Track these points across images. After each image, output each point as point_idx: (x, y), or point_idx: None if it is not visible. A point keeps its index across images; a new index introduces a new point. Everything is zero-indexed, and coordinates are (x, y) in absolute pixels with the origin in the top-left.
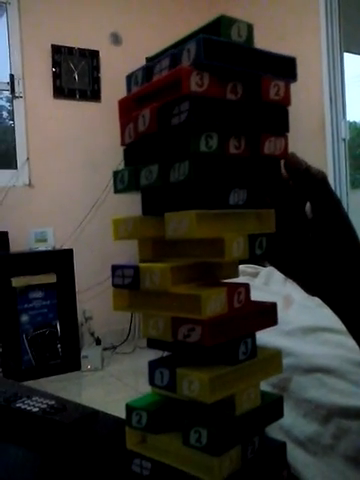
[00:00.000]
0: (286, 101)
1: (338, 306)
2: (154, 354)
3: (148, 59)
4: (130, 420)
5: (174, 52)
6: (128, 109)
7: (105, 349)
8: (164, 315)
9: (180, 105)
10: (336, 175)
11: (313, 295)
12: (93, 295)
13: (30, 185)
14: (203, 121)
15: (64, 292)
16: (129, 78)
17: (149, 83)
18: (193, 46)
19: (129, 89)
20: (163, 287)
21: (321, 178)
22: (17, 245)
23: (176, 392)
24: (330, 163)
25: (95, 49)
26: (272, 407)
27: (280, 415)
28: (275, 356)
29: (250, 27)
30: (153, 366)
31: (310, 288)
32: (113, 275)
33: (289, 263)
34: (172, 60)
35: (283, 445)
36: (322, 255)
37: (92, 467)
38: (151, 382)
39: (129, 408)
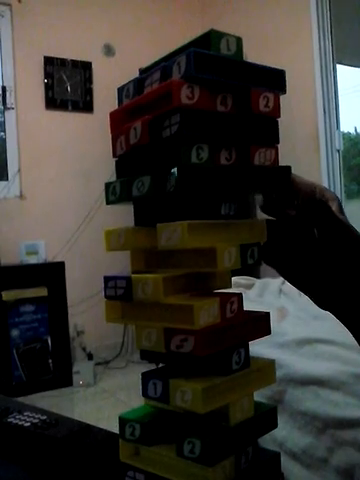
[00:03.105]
0: (276, 113)
1: (349, 320)
2: (147, 368)
3: (142, 70)
4: (123, 432)
5: (165, 65)
6: (120, 121)
7: (97, 364)
8: (157, 326)
9: (171, 117)
10: (331, 186)
11: (325, 309)
12: (85, 309)
13: (21, 197)
14: (194, 133)
15: (55, 306)
16: (120, 91)
17: (140, 96)
18: (183, 59)
19: (120, 101)
20: (156, 298)
21: (324, 207)
22: (8, 258)
23: (169, 403)
24: (324, 174)
25: (88, 60)
26: (266, 417)
27: (274, 425)
28: (268, 366)
29: (239, 41)
30: (146, 377)
31: (322, 302)
32: (105, 286)
33: (301, 278)
34: (163, 73)
35: (277, 455)
36: (333, 272)
37: None
38: (144, 393)
39: (122, 420)
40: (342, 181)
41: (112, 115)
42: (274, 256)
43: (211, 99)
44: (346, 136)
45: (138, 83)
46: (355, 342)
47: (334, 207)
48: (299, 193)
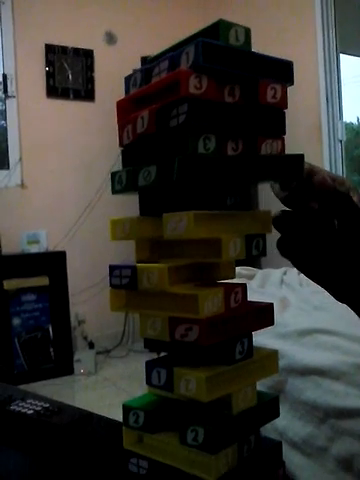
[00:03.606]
0: (283, 104)
1: None
2: (148, 357)
3: (144, 59)
4: (127, 420)
5: (173, 55)
6: (126, 110)
7: (98, 353)
8: (161, 315)
9: (179, 107)
10: None
11: (342, 302)
12: (86, 298)
13: (23, 186)
14: (201, 123)
15: (57, 295)
16: (128, 80)
17: (148, 85)
18: (192, 49)
19: (127, 90)
20: (161, 287)
21: (345, 198)
22: (9, 247)
23: (173, 391)
24: (327, 164)
25: (89, 48)
26: (268, 406)
27: (276, 415)
28: (271, 356)
29: (248, 31)
30: (150, 366)
31: (339, 295)
32: (111, 275)
33: (319, 270)
34: (171, 63)
35: (279, 444)
36: (352, 264)
37: (88, 468)
38: (148, 382)
39: (126, 408)
40: (344, 172)
41: (119, 104)
42: (291, 248)
43: (219, 89)
44: (349, 126)
45: (146, 72)
46: (355, 332)
47: (355, 198)
48: (318, 184)
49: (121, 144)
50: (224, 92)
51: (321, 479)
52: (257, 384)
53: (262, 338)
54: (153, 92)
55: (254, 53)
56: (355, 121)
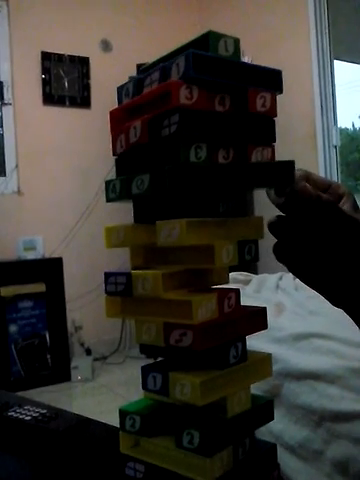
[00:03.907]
0: (272, 112)
1: None
2: (145, 363)
3: (139, 66)
4: (124, 424)
5: (164, 66)
6: (119, 120)
7: (95, 359)
8: (156, 321)
9: (170, 117)
10: None
11: (338, 307)
12: (83, 304)
13: (19, 192)
14: (192, 132)
15: (53, 301)
16: (120, 90)
17: (140, 95)
18: (182, 60)
19: (120, 100)
20: (155, 293)
21: (332, 208)
22: (5, 254)
23: (169, 396)
24: (322, 170)
25: (85, 56)
26: (262, 410)
27: (270, 418)
28: (265, 360)
29: (237, 42)
30: (146, 371)
31: (335, 300)
32: (106, 282)
33: (314, 275)
34: (162, 73)
35: (274, 447)
36: (346, 270)
37: (86, 473)
38: (144, 386)
39: (122, 412)
40: (339, 177)
41: (112, 114)
42: (287, 253)
43: (209, 99)
44: (344, 132)
45: (138, 83)
46: (350, 336)
47: (346, 205)
48: (300, 192)
49: (114, 153)
50: (214, 102)
51: None
52: (252, 388)
53: (257, 342)
54: (145, 102)
55: (243, 63)
56: (350, 126)
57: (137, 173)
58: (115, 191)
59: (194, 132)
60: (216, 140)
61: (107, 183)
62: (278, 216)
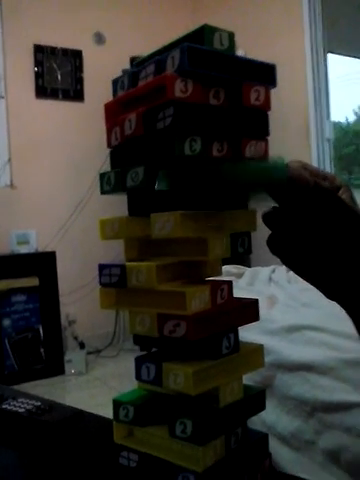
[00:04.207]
0: (266, 106)
1: (355, 311)
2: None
3: (133, 59)
4: (117, 414)
5: (159, 59)
6: (114, 113)
7: (89, 353)
8: (150, 312)
9: (165, 110)
10: None
11: (332, 299)
12: (76, 298)
13: (12, 186)
14: (187, 125)
15: (47, 295)
16: (115, 83)
17: (135, 88)
18: (177, 54)
19: (115, 93)
20: (149, 285)
21: (332, 196)
22: None
23: (162, 386)
24: (315, 163)
25: (78, 49)
26: (254, 399)
27: (262, 407)
28: (257, 351)
29: (231, 36)
30: (140, 361)
31: (329, 293)
32: (100, 274)
33: (309, 268)
34: (157, 67)
35: (265, 436)
36: (342, 262)
37: (80, 463)
38: (137, 377)
39: (116, 403)
40: (332, 170)
41: (107, 106)
42: (281, 246)
43: (204, 93)
44: (337, 126)
45: (133, 76)
46: (342, 328)
47: (345, 195)
48: (296, 179)
49: (109, 146)
50: (209, 95)
51: (310, 472)
52: (245, 379)
53: (250, 334)
54: (140, 95)
55: (238, 57)
56: (344, 120)
57: (132, 166)
58: (110, 183)
59: (189, 125)
60: (210, 133)
61: (102, 175)
62: (273, 207)
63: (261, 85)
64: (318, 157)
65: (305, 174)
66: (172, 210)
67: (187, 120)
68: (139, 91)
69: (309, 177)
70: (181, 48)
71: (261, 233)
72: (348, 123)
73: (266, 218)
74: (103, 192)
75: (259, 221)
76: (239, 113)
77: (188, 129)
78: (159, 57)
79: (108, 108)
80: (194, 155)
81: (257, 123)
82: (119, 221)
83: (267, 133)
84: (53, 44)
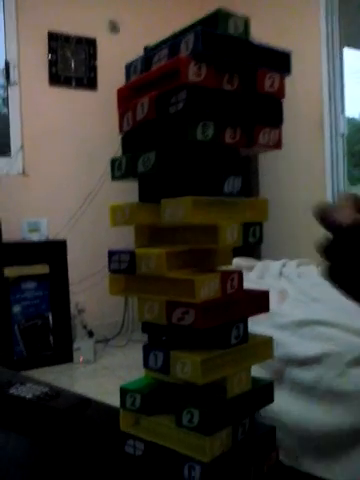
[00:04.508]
0: (280, 94)
1: None
2: None
3: (146, 48)
4: (124, 402)
5: (173, 43)
6: (127, 98)
7: (98, 342)
8: (159, 299)
9: (178, 94)
10: (334, 171)
11: None
12: (86, 287)
13: (24, 174)
14: (200, 110)
15: (57, 283)
16: (128, 67)
17: (148, 72)
18: (192, 37)
19: (128, 78)
20: (158, 272)
21: None
22: (10, 234)
23: (169, 374)
24: (328, 158)
25: (92, 37)
26: (262, 392)
27: (270, 400)
28: (266, 342)
29: (246, 21)
30: (148, 349)
31: None
32: (110, 260)
33: (352, 285)
34: (171, 50)
35: (273, 428)
36: None
37: (86, 450)
38: (145, 365)
39: (123, 391)
40: (345, 166)
41: (119, 91)
42: (341, 277)
43: (218, 77)
44: (351, 122)
45: (146, 60)
46: (352, 324)
47: None
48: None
49: (121, 131)
50: (223, 80)
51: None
52: (254, 373)
53: (260, 328)
54: (153, 79)
55: (253, 42)
56: (358, 116)
57: (143, 151)
58: (121, 169)
59: (202, 110)
60: (224, 119)
61: (113, 161)
62: (328, 238)
63: (276, 72)
64: (331, 152)
65: (333, 212)
66: (183, 196)
67: (200, 105)
68: (152, 75)
69: (339, 216)
70: (195, 31)
71: (271, 225)
72: None
73: (323, 250)
74: (114, 178)
75: (270, 212)
76: (253, 99)
77: (201, 114)
78: (173, 41)
79: (121, 93)
80: (206, 141)
81: (271, 110)
82: (130, 207)
83: (281, 121)
84: (67, 32)
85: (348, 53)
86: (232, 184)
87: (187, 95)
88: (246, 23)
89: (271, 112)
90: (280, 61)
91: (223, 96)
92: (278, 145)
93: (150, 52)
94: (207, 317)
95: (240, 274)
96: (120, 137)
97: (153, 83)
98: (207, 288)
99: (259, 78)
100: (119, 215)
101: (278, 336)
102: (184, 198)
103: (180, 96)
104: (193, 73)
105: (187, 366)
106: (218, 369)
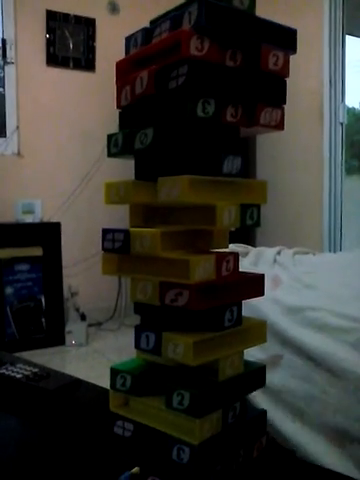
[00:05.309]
0: (284, 72)
1: None
2: None
3: (151, 22)
4: (114, 383)
5: (175, 15)
6: (126, 71)
7: (90, 325)
8: (152, 279)
9: (179, 68)
10: (332, 159)
11: None
12: (80, 270)
13: (19, 154)
14: (201, 86)
15: (50, 266)
16: (128, 40)
17: (148, 45)
18: (195, 9)
19: (128, 51)
20: (153, 252)
21: None
22: (4, 216)
23: (161, 355)
24: (326, 147)
25: (92, 17)
26: (254, 375)
27: (262, 384)
28: (260, 326)
29: None
30: (139, 330)
31: None
32: (103, 239)
33: None
34: (173, 23)
35: (264, 413)
36: None
37: (74, 430)
38: (137, 345)
39: (114, 371)
40: (343, 155)
41: (118, 64)
42: None
43: (220, 53)
44: (351, 111)
45: (146, 33)
46: (344, 310)
47: None
48: None
49: (119, 106)
50: (226, 56)
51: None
52: (251, 358)
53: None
54: (153, 53)
55: (258, 17)
56: (357, 106)
57: (141, 127)
58: (117, 145)
59: (203, 86)
60: (225, 96)
61: (109, 137)
62: None
63: (280, 50)
64: (330, 140)
65: None
66: (181, 174)
67: (201, 80)
68: (152, 48)
69: None
70: (199, 3)
71: (267, 212)
72: None
73: None
74: (110, 154)
75: (268, 196)
76: (256, 77)
77: (202, 90)
78: (175, 13)
79: (119, 66)
80: (207, 118)
81: (274, 89)
82: (125, 185)
83: (284, 101)
84: (66, 11)
85: (350, 41)
86: (231, 164)
87: (188, 70)
88: None
89: (274, 91)
90: (285, 38)
91: (225, 72)
92: (280, 126)
93: (152, 25)
94: (201, 299)
95: (236, 256)
96: (117, 121)
97: (153, 57)
98: (202, 269)
99: (263, 55)
100: (114, 193)
101: (271, 321)
102: (181, 177)
103: (181, 71)
104: (195, 47)
105: (179, 347)
106: (210, 351)
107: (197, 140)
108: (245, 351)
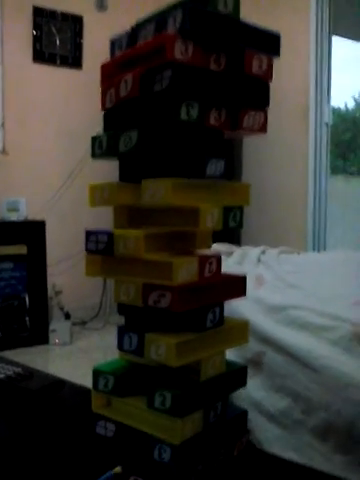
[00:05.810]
0: (268, 76)
1: None
2: None
3: (136, 24)
4: (97, 384)
5: (160, 19)
6: (111, 74)
7: (74, 324)
8: (136, 281)
9: (163, 72)
10: (317, 160)
11: None
12: (64, 269)
13: (4, 152)
14: (185, 89)
15: (34, 264)
16: (113, 42)
17: (133, 48)
18: (179, 13)
19: (113, 53)
20: (136, 254)
21: None
22: None
23: (144, 356)
24: (312, 147)
25: (79, 14)
26: (236, 375)
27: (243, 383)
28: (242, 326)
29: (237, 0)
30: (122, 331)
31: None
32: (87, 240)
33: None
34: (158, 26)
35: (244, 412)
36: None
37: (57, 431)
38: (119, 346)
39: (96, 372)
40: (328, 155)
41: (103, 67)
42: None
43: (205, 56)
44: (336, 112)
45: (131, 35)
46: (326, 309)
47: None
48: None
49: (103, 108)
50: (210, 60)
51: (297, 450)
52: (234, 357)
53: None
54: (138, 55)
55: (242, 22)
56: (343, 106)
57: (125, 129)
58: (101, 147)
59: (187, 89)
60: (209, 99)
61: (93, 139)
62: None
63: (264, 54)
64: (315, 140)
65: None
66: (165, 177)
67: (185, 84)
68: (137, 51)
69: None
70: (183, 8)
71: (252, 212)
72: (347, 109)
73: None
74: (94, 156)
75: (251, 199)
76: (239, 81)
77: (186, 93)
78: (160, 17)
79: (104, 69)
80: (190, 121)
81: (257, 93)
82: (109, 187)
83: (267, 104)
84: (53, 7)
85: (336, 42)
86: (215, 167)
87: (172, 73)
88: (236, 2)
89: (257, 94)
90: (269, 43)
91: (209, 76)
92: (263, 129)
93: (137, 27)
94: (183, 300)
95: (218, 258)
96: (102, 115)
97: (138, 60)
98: (185, 271)
99: (247, 59)
100: (98, 195)
101: (254, 320)
102: (164, 179)
103: (165, 74)
104: (179, 51)
105: (161, 348)
106: (193, 352)
107: (181, 143)
108: (227, 351)
